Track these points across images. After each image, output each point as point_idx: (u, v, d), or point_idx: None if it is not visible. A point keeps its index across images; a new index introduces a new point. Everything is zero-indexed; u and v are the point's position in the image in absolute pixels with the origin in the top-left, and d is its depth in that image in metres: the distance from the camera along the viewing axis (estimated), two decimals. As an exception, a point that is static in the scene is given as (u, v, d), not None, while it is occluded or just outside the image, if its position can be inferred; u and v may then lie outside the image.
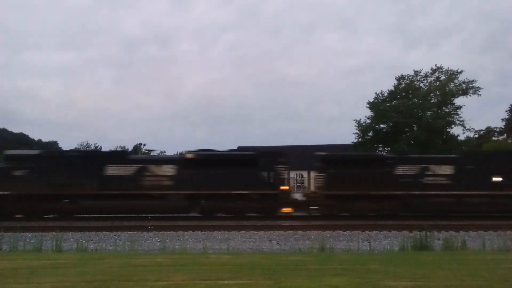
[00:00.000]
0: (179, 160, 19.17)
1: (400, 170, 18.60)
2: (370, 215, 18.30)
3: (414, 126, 34.31)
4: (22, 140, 71.28)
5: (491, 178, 18.34)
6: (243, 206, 18.22)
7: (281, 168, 18.83)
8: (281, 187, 18.43)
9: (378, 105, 36.11)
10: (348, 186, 18.22)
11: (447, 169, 18.57)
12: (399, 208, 18.40)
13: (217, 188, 18.08)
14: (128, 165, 18.56)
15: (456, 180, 18.30)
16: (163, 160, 20.09)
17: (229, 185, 18.06)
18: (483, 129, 39.56)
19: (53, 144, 76.78)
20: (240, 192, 18.09)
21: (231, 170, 18.31)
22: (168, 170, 18.45)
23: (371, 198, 18.26)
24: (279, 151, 19.50)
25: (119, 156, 20.42)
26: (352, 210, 18.59)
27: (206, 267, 6.38)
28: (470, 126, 34.25)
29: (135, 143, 62.95)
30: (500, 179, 18.32)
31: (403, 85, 37.11)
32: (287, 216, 18.44)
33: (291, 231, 13.63)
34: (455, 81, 35.38)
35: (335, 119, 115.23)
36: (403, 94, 36.65)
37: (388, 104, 35.99)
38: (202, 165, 18.65)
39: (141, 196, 17.93)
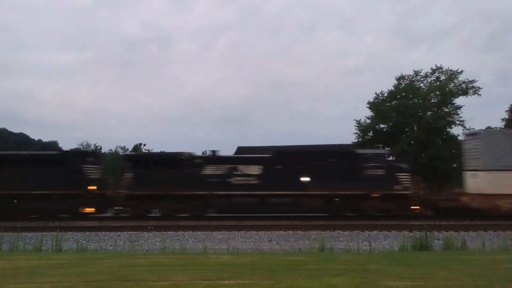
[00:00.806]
0: None
1: (208, 170, 18.54)
2: (182, 216, 18.14)
3: (414, 126, 34.27)
4: (22, 140, 71.24)
5: (299, 178, 18.30)
6: (47, 207, 17.96)
7: (89, 168, 18.70)
8: (89, 187, 18.29)
9: (378, 105, 36.06)
10: (154, 186, 18.09)
11: (255, 169, 18.52)
12: (204, 208, 18.30)
13: (17, 189, 17.81)
14: None
15: (264, 180, 18.30)
16: None
17: (30, 185, 17.77)
18: (483, 129, 39.52)
19: (53, 144, 76.73)
20: (41, 192, 17.82)
21: (34, 170, 18.06)
22: None
23: (178, 198, 18.15)
24: (88, 151, 19.45)
25: None
26: (160, 210, 18.43)
27: (206, 267, 6.37)
28: (470, 126, 34.20)
29: (135, 143, 62.92)
30: (307, 179, 18.28)
31: (403, 85, 37.05)
32: (285, 217, 18.39)
33: (291, 231, 13.62)
34: (455, 81, 35.37)
35: (335, 119, 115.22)
36: (403, 94, 36.59)
37: (388, 104, 35.96)
38: (4, 165, 18.44)
39: None
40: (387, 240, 12.40)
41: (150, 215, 18.52)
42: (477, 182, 18.39)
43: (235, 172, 18.50)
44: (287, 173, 18.35)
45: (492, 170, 17.90)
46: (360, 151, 19.81)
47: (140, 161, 19.44)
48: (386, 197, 18.16)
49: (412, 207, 18.31)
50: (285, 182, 18.10)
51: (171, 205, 18.26)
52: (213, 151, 20.06)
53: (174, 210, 18.32)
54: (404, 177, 18.40)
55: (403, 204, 18.18)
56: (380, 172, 18.31)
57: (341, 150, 19.70)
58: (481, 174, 18.21)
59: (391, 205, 18.25)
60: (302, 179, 18.30)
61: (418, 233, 10.59)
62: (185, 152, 20.02)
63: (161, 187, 18.09)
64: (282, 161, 18.84)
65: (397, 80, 37.35)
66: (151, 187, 18.15)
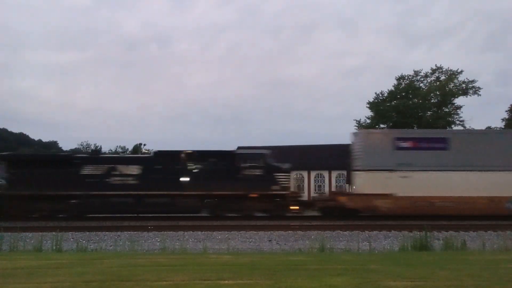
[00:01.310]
0: None
1: (87, 170, 18.40)
2: (60, 217, 18.00)
3: (414, 126, 34.33)
4: (22, 140, 71.32)
5: (178, 179, 18.22)
6: None
7: None
8: None
9: (378, 105, 36.15)
10: (30, 186, 17.84)
11: (134, 169, 18.46)
12: (83, 209, 18.14)
13: None
14: None
15: (142, 180, 18.23)
16: None
17: None
18: (483, 129, 39.54)
19: (53, 144, 76.80)
20: None
21: None
22: None
23: (55, 198, 17.95)
24: None
25: None
26: (37, 211, 18.22)
27: (206, 267, 6.37)
28: (470, 126, 34.28)
29: (135, 143, 62.95)
30: (187, 179, 18.24)
31: (403, 85, 37.13)
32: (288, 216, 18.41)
33: (291, 231, 13.62)
34: (455, 81, 35.43)
35: (335, 119, 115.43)
36: (403, 94, 36.66)
37: (388, 104, 36.02)
38: None
39: None
40: (387, 240, 12.39)
41: (31, 216, 18.11)
42: (358, 182, 18.60)
43: (114, 172, 18.40)
44: (166, 174, 18.29)
45: (370, 170, 18.13)
46: (239, 151, 19.70)
47: (15, 161, 19.25)
48: (264, 197, 18.14)
49: (291, 207, 18.34)
50: (163, 183, 18.05)
51: (48, 205, 18.04)
52: (94, 151, 20.13)
53: (51, 211, 18.12)
54: (282, 177, 18.38)
55: (281, 204, 18.19)
56: (258, 172, 18.27)
57: (220, 151, 19.63)
58: (360, 174, 18.46)
59: (270, 205, 18.25)
60: (181, 179, 18.25)
61: (418, 233, 10.60)
62: (64, 152, 19.83)
63: (37, 188, 17.83)
64: (162, 162, 18.80)
65: (397, 80, 37.44)
66: (28, 187, 17.87)
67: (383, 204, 17.69)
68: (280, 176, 18.34)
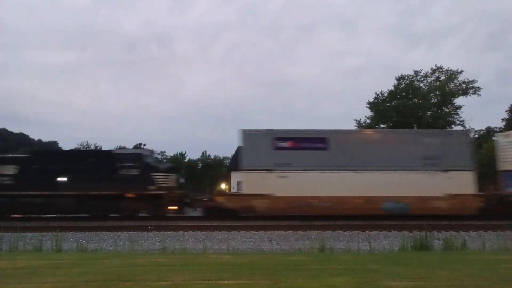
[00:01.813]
0: None
1: None
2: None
3: (414, 126, 34.35)
4: (22, 140, 71.34)
5: (55, 179, 18.23)
6: None
7: None
8: None
9: (378, 105, 36.18)
10: None
11: (11, 169, 18.47)
12: None
13: None
14: None
15: (18, 180, 18.21)
16: None
17: None
18: (483, 129, 39.63)
19: (53, 144, 76.84)
20: None
21: None
22: None
23: None
24: None
25: None
26: None
27: (206, 267, 6.37)
28: (470, 126, 34.29)
29: (135, 143, 62.98)
30: (64, 179, 18.27)
31: (403, 85, 37.16)
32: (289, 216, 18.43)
33: (291, 231, 13.63)
34: (455, 81, 35.45)
35: (335, 119, 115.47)
36: (403, 94, 36.69)
37: (388, 104, 36.05)
38: None
39: None
40: (387, 240, 12.40)
41: None
42: (242, 182, 18.71)
43: None
44: (43, 174, 18.29)
45: (250, 170, 18.21)
46: (117, 151, 19.66)
47: None
48: (142, 197, 18.17)
49: (169, 207, 18.41)
50: (39, 182, 18.03)
51: None
52: None
53: None
54: (160, 177, 18.39)
55: (159, 204, 18.21)
56: (134, 172, 18.31)
57: (97, 150, 19.70)
58: (242, 174, 18.54)
59: (148, 205, 18.28)
60: (59, 179, 18.27)
61: (418, 233, 10.59)
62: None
63: None
64: (39, 162, 18.85)
65: (397, 80, 37.48)
66: None
67: (260, 204, 17.83)
68: (157, 176, 18.35)
